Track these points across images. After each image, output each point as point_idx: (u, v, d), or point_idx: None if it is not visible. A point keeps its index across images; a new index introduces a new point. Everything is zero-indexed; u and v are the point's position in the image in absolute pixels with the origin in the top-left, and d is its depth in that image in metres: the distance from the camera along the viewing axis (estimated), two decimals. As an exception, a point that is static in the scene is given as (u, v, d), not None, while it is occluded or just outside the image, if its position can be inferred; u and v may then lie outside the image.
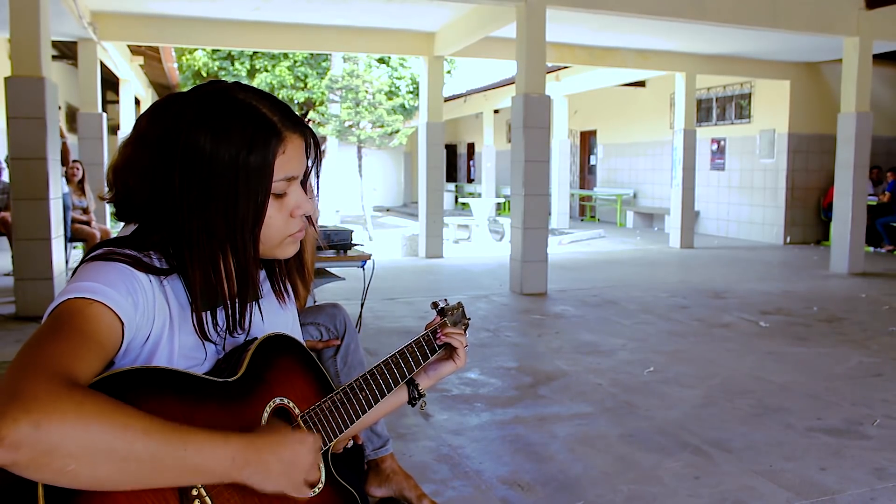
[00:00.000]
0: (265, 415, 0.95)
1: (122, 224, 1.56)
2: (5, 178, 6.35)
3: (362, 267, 3.46)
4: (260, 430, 0.88)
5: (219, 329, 0.98)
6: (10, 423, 0.66)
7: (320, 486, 1.00)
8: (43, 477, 0.69)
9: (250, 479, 0.82)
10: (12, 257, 5.80)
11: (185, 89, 1.09)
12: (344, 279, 3.82)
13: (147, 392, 0.82)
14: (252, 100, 0.96)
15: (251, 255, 0.96)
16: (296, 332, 1.16)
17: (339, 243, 3.60)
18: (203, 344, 0.97)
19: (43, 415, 0.67)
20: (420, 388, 1.28)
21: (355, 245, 3.72)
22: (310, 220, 1.06)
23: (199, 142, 0.91)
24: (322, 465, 1.02)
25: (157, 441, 0.73)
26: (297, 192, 0.99)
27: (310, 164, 1.02)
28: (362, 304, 3.24)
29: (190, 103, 0.94)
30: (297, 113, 1.00)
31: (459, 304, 1.39)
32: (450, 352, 1.29)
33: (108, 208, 9.20)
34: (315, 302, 2.52)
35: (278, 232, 0.99)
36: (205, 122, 0.92)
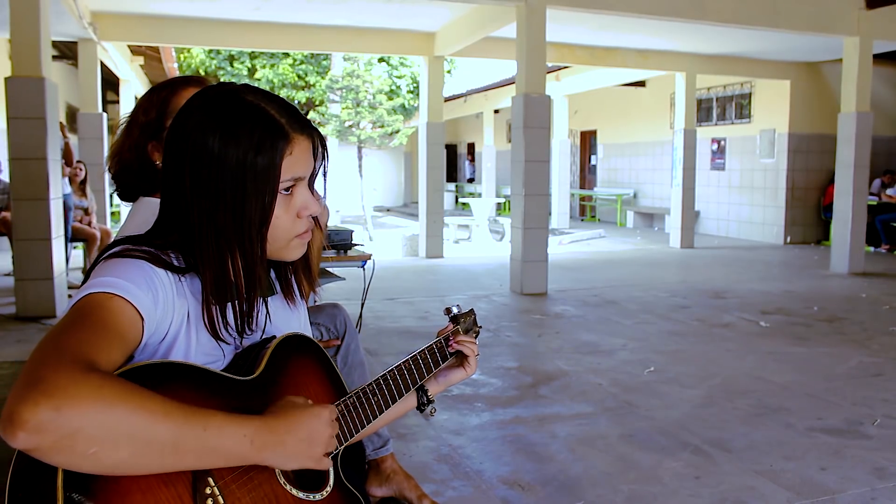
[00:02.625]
0: None
1: (129, 208, 1.59)
2: (5, 177, 6.35)
3: (362, 267, 3.46)
4: (276, 410, 0.89)
5: (230, 328, 0.99)
6: (32, 407, 0.67)
7: (328, 489, 1.00)
8: (65, 461, 0.70)
9: (270, 459, 0.84)
10: (12, 257, 5.80)
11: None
12: (344, 279, 3.82)
13: (166, 386, 0.83)
14: (260, 102, 0.97)
15: (258, 254, 0.98)
16: (306, 332, 1.17)
17: (340, 243, 3.60)
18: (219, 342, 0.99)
19: (64, 399, 0.68)
20: (429, 394, 1.28)
21: (355, 245, 3.72)
22: (317, 221, 1.07)
23: (207, 143, 0.93)
24: (331, 467, 1.03)
25: (177, 423, 0.75)
26: (304, 193, 1.00)
27: (317, 165, 1.03)
28: (362, 304, 3.24)
29: (199, 105, 0.96)
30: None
31: (471, 311, 1.39)
32: (461, 359, 1.30)
33: (109, 208, 9.19)
34: (316, 302, 2.52)
35: (285, 232, 1.00)
36: (214, 123, 0.94)
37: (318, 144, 1.02)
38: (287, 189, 0.98)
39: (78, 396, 0.69)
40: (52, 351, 0.74)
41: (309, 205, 1.00)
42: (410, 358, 1.21)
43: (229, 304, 0.99)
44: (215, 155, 0.93)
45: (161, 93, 1.59)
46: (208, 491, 0.83)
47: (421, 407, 1.28)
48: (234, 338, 1.01)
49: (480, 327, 1.41)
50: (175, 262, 0.95)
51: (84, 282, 0.91)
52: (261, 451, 0.82)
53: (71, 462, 0.70)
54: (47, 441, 0.67)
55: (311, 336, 1.15)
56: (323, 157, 1.04)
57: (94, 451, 0.70)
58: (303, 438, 0.87)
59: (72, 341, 0.77)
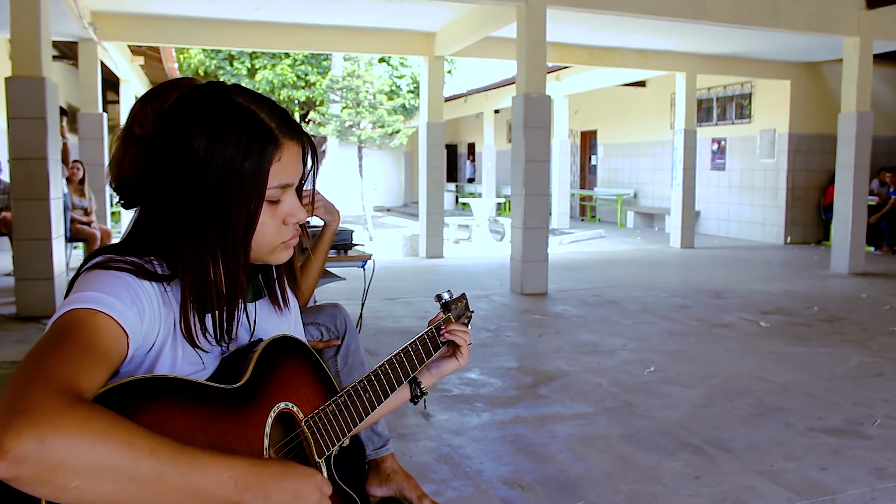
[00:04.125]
0: (269, 420, 0.95)
1: (132, 213, 1.59)
2: (5, 177, 6.35)
3: (363, 267, 3.46)
4: (270, 459, 0.87)
5: (208, 336, 0.96)
6: (14, 436, 0.65)
7: None
8: (45, 493, 0.68)
9: None
10: (13, 257, 5.80)
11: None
12: (344, 279, 3.81)
13: (152, 402, 0.81)
14: (250, 104, 0.94)
15: (241, 261, 0.95)
16: (298, 334, 1.15)
17: (340, 243, 3.60)
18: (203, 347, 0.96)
19: (48, 429, 0.66)
20: (422, 385, 1.27)
21: (356, 245, 3.72)
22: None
23: (193, 144, 0.90)
24: (324, 470, 1.02)
25: (162, 461, 0.72)
26: (291, 199, 0.98)
27: (307, 172, 1.01)
28: (363, 304, 3.24)
29: (186, 104, 0.93)
30: (296, 115, 0.99)
31: (463, 296, 1.37)
32: (453, 349, 1.28)
33: (109, 208, 9.20)
34: (315, 302, 2.52)
35: (270, 239, 0.98)
36: (201, 124, 0.91)
37: (309, 150, 0.99)
38: (274, 196, 0.95)
39: (63, 428, 0.67)
40: (36, 376, 0.72)
41: (296, 212, 0.98)
42: (402, 350, 1.20)
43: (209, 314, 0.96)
44: (201, 156, 0.90)
45: (154, 103, 1.57)
46: None
47: (415, 399, 1.27)
48: (213, 346, 0.98)
49: (472, 312, 1.39)
50: (159, 270, 0.92)
51: (67, 292, 0.88)
52: (243, 493, 0.78)
53: (51, 494, 0.68)
54: (28, 472, 0.65)
55: (300, 337, 1.13)
56: (314, 164, 1.01)
57: (76, 484, 0.67)
58: (288, 490, 0.83)
59: (56, 364, 0.74)
